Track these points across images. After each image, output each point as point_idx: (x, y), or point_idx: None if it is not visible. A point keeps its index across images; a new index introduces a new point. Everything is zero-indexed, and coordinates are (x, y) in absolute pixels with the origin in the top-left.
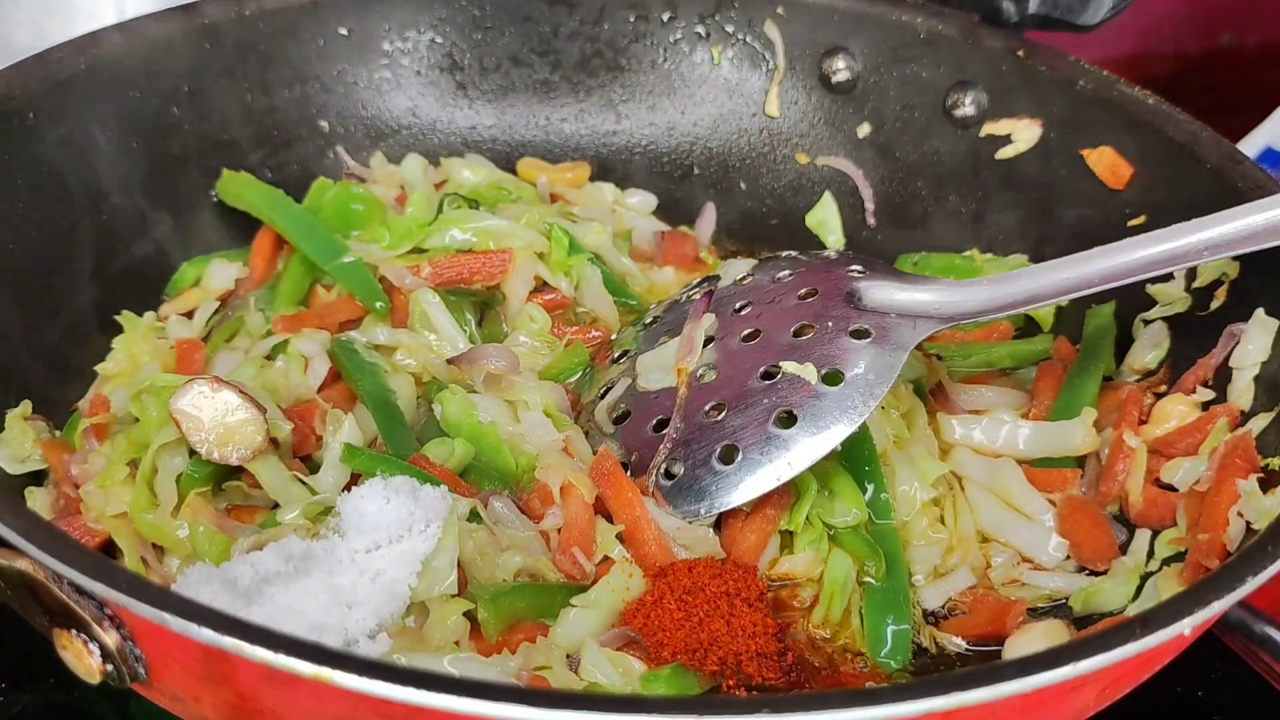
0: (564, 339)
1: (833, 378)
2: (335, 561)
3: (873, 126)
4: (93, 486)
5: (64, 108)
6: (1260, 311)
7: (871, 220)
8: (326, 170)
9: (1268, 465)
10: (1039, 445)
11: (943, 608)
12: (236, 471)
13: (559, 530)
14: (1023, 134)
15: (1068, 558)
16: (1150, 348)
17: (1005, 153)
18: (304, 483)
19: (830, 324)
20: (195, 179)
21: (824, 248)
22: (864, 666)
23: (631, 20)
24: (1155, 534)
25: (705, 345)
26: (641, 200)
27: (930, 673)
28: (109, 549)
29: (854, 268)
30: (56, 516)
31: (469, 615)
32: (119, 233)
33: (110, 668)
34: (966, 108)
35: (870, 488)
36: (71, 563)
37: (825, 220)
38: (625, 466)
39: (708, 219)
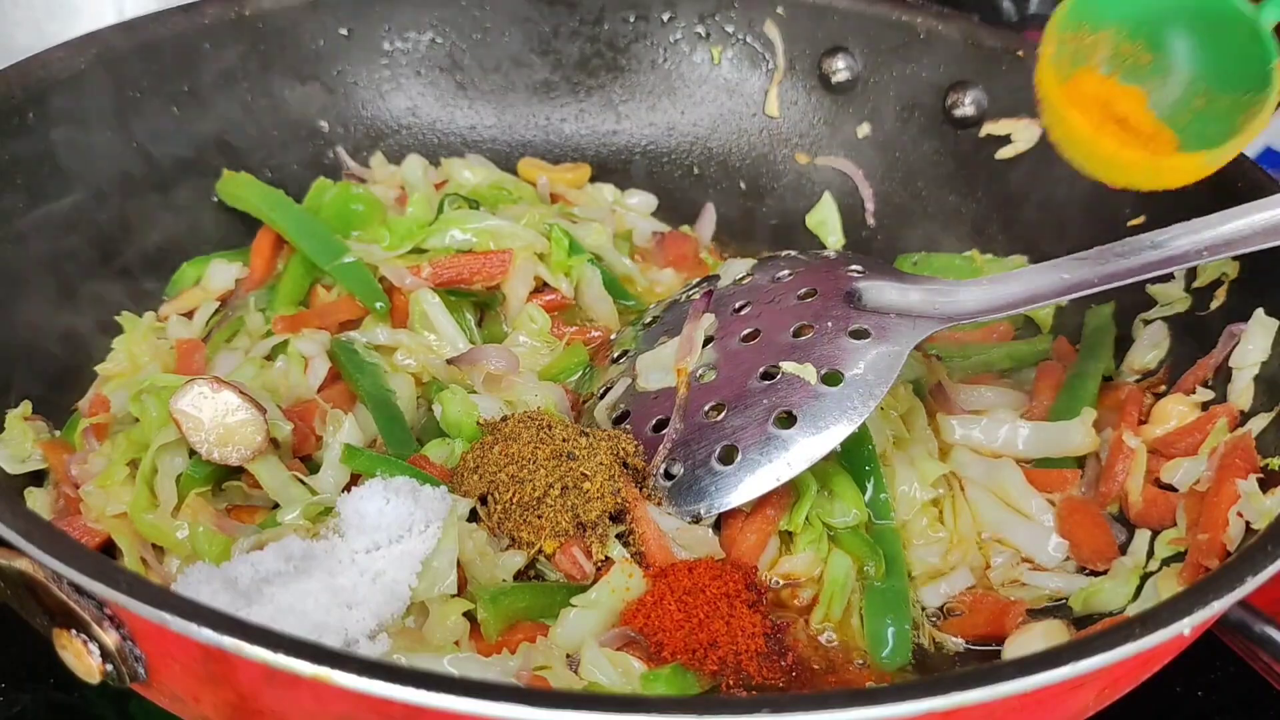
0: (564, 339)
1: (832, 378)
2: (335, 562)
3: (873, 126)
4: (93, 486)
5: (64, 108)
6: (1260, 311)
7: (871, 220)
8: (326, 170)
9: (1267, 465)
10: (1039, 445)
11: (942, 608)
12: (236, 471)
13: None
14: (1023, 134)
15: (1067, 558)
16: (1150, 348)
17: (1005, 153)
18: (304, 483)
19: (830, 324)
20: (195, 179)
21: (824, 248)
22: (864, 665)
23: (631, 20)
24: (1155, 534)
25: (705, 345)
26: (641, 200)
27: (930, 673)
28: (109, 549)
29: (854, 268)
30: (56, 516)
31: (469, 615)
32: (119, 233)
33: (110, 668)
34: (966, 108)
35: (870, 488)
36: (71, 563)
37: (825, 220)
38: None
39: (708, 219)
